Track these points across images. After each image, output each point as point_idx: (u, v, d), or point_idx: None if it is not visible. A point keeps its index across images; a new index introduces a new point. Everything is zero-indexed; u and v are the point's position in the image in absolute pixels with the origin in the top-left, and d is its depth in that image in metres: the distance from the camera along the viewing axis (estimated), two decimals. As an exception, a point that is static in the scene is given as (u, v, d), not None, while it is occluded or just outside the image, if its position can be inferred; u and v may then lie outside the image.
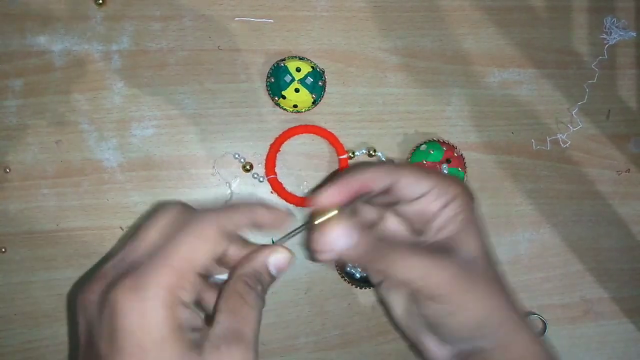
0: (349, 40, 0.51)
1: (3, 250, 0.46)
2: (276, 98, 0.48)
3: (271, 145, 0.49)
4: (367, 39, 0.51)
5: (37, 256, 0.46)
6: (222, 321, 0.24)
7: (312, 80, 0.47)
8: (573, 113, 0.54)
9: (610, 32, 0.54)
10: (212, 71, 0.49)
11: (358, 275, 0.49)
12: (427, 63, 0.52)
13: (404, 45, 0.51)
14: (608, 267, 0.54)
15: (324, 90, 0.49)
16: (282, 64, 0.47)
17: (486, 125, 0.52)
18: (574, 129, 0.53)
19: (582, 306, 0.54)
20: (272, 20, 0.50)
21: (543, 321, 0.52)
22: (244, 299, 0.25)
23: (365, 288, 0.49)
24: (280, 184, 0.49)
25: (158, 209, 0.27)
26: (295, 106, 0.48)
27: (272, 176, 0.48)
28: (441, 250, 0.29)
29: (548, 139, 0.53)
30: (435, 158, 0.49)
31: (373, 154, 0.50)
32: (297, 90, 0.47)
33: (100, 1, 0.47)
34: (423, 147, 0.49)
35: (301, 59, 0.48)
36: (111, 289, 0.22)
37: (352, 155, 0.49)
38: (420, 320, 0.31)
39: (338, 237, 0.28)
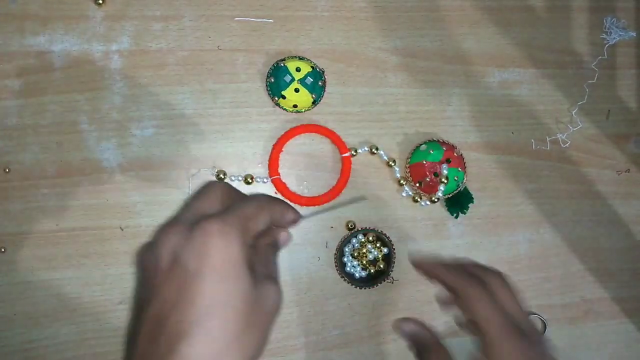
0: (349, 40, 0.51)
1: (3, 250, 0.46)
2: (276, 98, 0.48)
3: (274, 146, 0.49)
4: (367, 39, 0.51)
5: (37, 256, 0.46)
6: (259, 268, 0.31)
7: (312, 80, 0.47)
8: (573, 113, 0.54)
9: (610, 32, 0.54)
10: (212, 71, 0.49)
11: (358, 276, 0.49)
12: (428, 63, 0.52)
13: (404, 45, 0.51)
14: (608, 267, 0.54)
15: (324, 91, 0.49)
16: (282, 64, 0.47)
17: (486, 125, 0.52)
18: (574, 129, 0.53)
19: (582, 306, 0.54)
20: (272, 20, 0.50)
21: (543, 321, 0.52)
22: (268, 256, 0.34)
23: (364, 288, 0.49)
24: (284, 184, 0.49)
25: (208, 184, 0.32)
26: (295, 106, 0.48)
27: (275, 177, 0.48)
28: None
29: (548, 139, 0.53)
30: (435, 158, 0.49)
31: (375, 151, 0.50)
32: (297, 90, 0.47)
33: (100, 1, 0.47)
34: (423, 147, 0.49)
35: (301, 59, 0.48)
36: (201, 220, 0.28)
37: (354, 153, 0.49)
38: None
39: None
